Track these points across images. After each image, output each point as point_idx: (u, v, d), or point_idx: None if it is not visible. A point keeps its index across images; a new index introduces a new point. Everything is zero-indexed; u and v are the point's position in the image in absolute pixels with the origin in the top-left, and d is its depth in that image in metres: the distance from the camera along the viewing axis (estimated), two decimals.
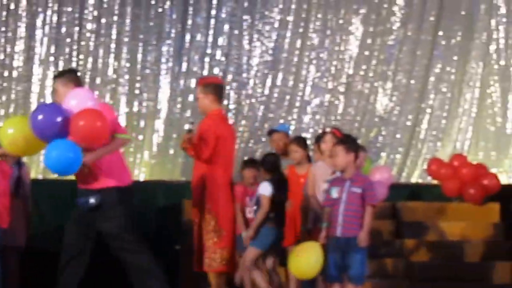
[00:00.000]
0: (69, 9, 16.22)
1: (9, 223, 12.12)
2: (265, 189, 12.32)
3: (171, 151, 16.35)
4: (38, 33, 16.22)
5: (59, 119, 9.45)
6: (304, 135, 15.43)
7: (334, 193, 11.05)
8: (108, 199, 10.08)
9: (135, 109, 16.38)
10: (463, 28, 16.78)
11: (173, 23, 16.54)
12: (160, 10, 16.43)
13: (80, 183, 10.15)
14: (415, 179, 16.67)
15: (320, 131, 14.45)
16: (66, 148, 9.45)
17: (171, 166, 16.24)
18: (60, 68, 15.81)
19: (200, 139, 11.22)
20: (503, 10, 16.80)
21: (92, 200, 10.04)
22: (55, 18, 16.23)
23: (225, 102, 16.27)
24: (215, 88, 11.73)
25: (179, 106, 16.33)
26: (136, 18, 16.35)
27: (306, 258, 11.00)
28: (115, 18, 16.33)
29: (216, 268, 11.56)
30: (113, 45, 16.39)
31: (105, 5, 16.29)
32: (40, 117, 9.46)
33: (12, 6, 16.09)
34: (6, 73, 16.10)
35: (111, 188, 10.08)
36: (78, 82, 10.52)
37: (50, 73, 15.95)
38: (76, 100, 9.88)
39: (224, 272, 11.68)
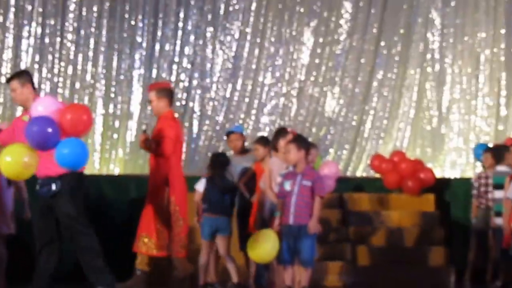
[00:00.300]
0: (52, 22, 16.30)
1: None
2: (200, 184, 12.50)
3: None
4: (24, 43, 16.23)
5: (50, 129, 9.45)
6: (261, 133, 15.42)
7: (287, 186, 11.20)
8: (67, 185, 10.09)
9: (111, 110, 16.32)
10: (402, 39, 16.84)
11: (144, 34, 16.58)
12: (132, 22, 16.50)
13: (39, 173, 10.12)
14: (359, 173, 16.76)
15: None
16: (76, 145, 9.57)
17: (142, 162, 16.14)
18: (44, 75, 15.80)
19: (163, 137, 11.34)
20: (437, 23, 16.83)
21: (53, 187, 10.05)
22: (39, 30, 16.27)
23: (191, 104, 16.65)
24: (168, 93, 12.03)
25: (149, 108, 16.29)
26: (111, 30, 16.41)
27: (263, 244, 11.05)
28: (93, 29, 16.38)
29: (184, 254, 11.73)
30: (90, 54, 16.41)
31: (83, 18, 16.28)
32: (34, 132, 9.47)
33: (0, 19, 16.03)
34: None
35: (68, 174, 10.08)
36: (33, 82, 10.63)
37: (35, 79, 15.90)
38: (42, 106, 9.90)
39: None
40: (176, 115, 12.62)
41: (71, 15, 16.31)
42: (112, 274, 10.11)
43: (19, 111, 15.58)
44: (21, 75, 10.60)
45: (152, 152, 11.74)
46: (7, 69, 16.06)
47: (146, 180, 15.31)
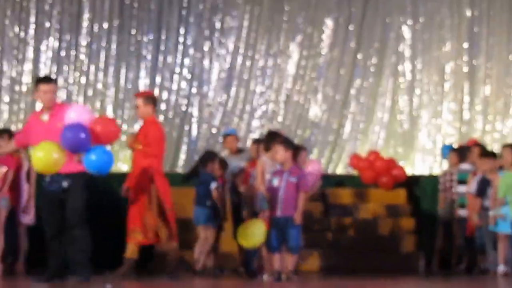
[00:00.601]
0: (67, 37, 16.22)
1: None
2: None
3: None
4: (43, 55, 16.13)
5: (83, 135, 9.55)
6: (252, 135, 15.51)
7: (275, 182, 11.28)
8: (77, 183, 10.09)
9: (119, 115, 16.26)
10: (377, 52, 16.88)
11: (149, 48, 16.49)
12: (138, 37, 16.45)
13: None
14: (339, 170, 16.71)
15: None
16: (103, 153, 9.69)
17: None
18: (60, 83, 15.66)
19: (150, 138, 11.40)
20: (408, 38, 16.90)
21: (64, 184, 10.08)
22: (56, 44, 16.17)
23: (190, 109, 16.60)
24: (153, 100, 12.05)
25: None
26: (120, 44, 16.35)
27: (253, 232, 11.16)
28: (103, 44, 16.29)
29: (175, 239, 11.77)
30: (102, 65, 16.29)
31: (95, 34, 16.24)
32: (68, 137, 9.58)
33: (22, 35, 16.05)
34: (17, 88, 16.04)
35: (78, 173, 10.13)
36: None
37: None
38: (75, 113, 9.95)
39: None
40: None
41: (84, 31, 16.25)
42: (92, 270, 10.14)
43: None
44: (56, 82, 10.66)
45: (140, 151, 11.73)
46: (28, 78, 16.07)
47: None
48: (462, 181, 14.02)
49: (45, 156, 9.55)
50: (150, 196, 11.54)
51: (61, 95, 15.97)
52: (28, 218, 12.54)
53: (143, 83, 16.49)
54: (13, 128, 14.85)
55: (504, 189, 12.61)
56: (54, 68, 16.09)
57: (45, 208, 10.21)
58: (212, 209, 12.80)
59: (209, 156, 13.25)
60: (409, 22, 17.02)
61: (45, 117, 10.12)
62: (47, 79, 10.82)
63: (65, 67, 16.07)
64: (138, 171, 11.60)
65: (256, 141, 12.97)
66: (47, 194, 10.12)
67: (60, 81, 15.77)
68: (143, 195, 11.57)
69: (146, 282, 11.34)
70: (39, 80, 10.70)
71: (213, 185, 12.75)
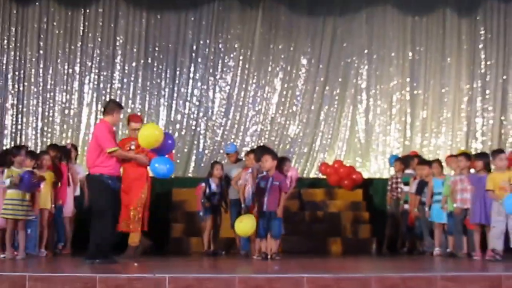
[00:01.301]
0: (104, 73, 16.24)
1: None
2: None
3: None
4: (86, 87, 16.18)
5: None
6: (245, 149, 15.52)
7: (262, 184, 11.30)
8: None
9: None
10: (341, 85, 16.88)
11: (167, 81, 16.51)
12: (159, 73, 16.44)
13: (117, 173, 10.19)
14: (312, 175, 16.55)
15: (255, 146, 14.69)
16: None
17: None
18: (99, 109, 15.77)
19: (146, 153, 10.90)
20: (364, 74, 16.97)
21: (119, 184, 10.20)
22: (96, 78, 16.20)
23: (198, 129, 16.60)
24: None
25: (170, 130, 16.28)
26: (145, 78, 16.43)
27: (246, 224, 11.21)
28: (132, 78, 16.33)
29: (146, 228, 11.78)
30: (130, 95, 16.33)
31: (126, 71, 16.29)
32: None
33: (70, 71, 16.08)
34: (66, 111, 16.04)
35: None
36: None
37: (93, 113, 15.98)
38: None
39: None
40: None
41: (117, 68, 16.34)
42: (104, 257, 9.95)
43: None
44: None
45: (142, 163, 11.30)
46: (74, 105, 16.07)
47: (167, 180, 15.47)
48: (406, 183, 14.08)
49: (150, 133, 9.89)
50: (139, 195, 11.42)
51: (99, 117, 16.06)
52: (68, 212, 12.55)
53: (162, 109, 16.46)
54: (63, 142, 14.92)
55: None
56: (94, 98, 16.11)
57: (109, 200, 9.96)
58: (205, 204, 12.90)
59: (213, 165, 13.29)
60: (365, 62, 17.02)
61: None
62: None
63: (102, 96, 16.07)
64: (132, 175, 11.30)
65: (248, 153, 12.99)
66: (112, 190, 9.99)
67: (99, 107, 15.84)
68: (134, 193, 11.39)
69: (158, 262, 11.32)
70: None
71: (202, 184, 12.88)
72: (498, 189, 11.12)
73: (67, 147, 13.29)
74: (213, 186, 12.81)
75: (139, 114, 14.58)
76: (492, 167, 11.79)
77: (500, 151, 11.87)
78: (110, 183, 9.97)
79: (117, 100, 15.83)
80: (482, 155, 12.39)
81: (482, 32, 16.89)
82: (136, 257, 11.33)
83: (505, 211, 10.81)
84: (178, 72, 16.57)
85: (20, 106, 15.83)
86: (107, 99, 15.80)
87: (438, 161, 13.52)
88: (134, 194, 11.39)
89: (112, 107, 10.19)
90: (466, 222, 12.17)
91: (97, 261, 9.82)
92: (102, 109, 10.56)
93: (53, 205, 11.90)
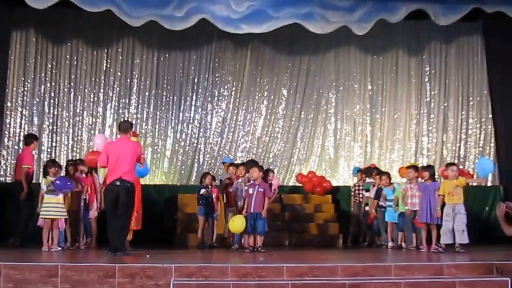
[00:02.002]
0: (123, 100, 16.21)
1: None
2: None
3: (172, 169, 16.34)
4: (108, 112, 16.11)
5: None
6: (236, 162, 15.43)
7: (250, 191, 11.35)
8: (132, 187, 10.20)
9: (156, 148, 16.24)
10: (314, 110, 16.77)
11: (174, 108, 16.38)
12: (168, 101, 16.41)
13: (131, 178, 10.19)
14: (291, 183, 16.29)
15: (245, 160, 14.68)
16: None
17: (172, 176, 16.26)
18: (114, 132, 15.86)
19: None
20: (333, 102, 16.95)
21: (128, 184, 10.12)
22: (116, 104, 16.15)
23: (199, 146, 16.46)
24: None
25: (176, 147, 16.29)
26: (155, 106, 16.30)
27: (237, 222, 11.23)
28: (145, 104, 16.27)
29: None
30: (144, 117, 16.25)
31: (140, 100, 16.24)
32: None
33: (95, 99, 16.06)
34: (92, 132, 15.94)
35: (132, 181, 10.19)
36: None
37: (114, 133, 15.89)
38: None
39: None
40: None
41: (133, 96, 16.23)
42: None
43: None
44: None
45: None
46: (98, 126, 16.01)
47: (173, 187, 15.51)
48: (367, 190, 14.11)
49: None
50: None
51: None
52: (92, 213, 12.51)
53: (170, 130, 16.37)
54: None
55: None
56: (115, 120, 15.99)
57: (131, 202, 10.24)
58: (203, 206, 12.88)
59: (202, 175, 13.35)
60: (334, 92, 16.97)
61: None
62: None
63: (121, 119, 15.97)
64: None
65: (240, 164, 13.07)
66: (114, 190, 10.08)
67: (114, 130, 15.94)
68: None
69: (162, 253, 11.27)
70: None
71: (202, 191, 12.85)
72: (447, 194, 11.37)
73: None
74: (202, 191, 12.91)
75: (137, 132, 14.63)
76: (436, 176, 11.93)
77: (452, 164, 12.19)
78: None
79: (133, 122, 15.87)
80: (428, 167, 12.66)
81: (427, 68, 16.97)
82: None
83: (480, 175, 11.41)
84: (182, 100, 16.47)
85: (55, 127, 15.77)
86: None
87: (386, 173, 13.64)
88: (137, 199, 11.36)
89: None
90: (415, 221, 12.26)
91: (118, 253, 9.81)
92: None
93: (82, 206, 11.98)
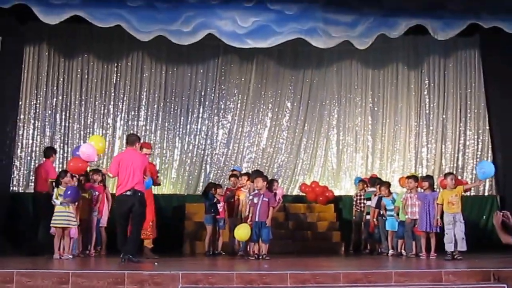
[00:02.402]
0: (132, 112, 16.17)
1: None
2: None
3: (180, 179, 16.34)
4: (118, 124, 16.05)
5: None
6: (242, 173, 15.46)
7: (255, 200, 11.36)
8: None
9: (164, 158, 16.23)
10: (316, 123, 16.73)
11: (182, 120, 16.31)
12: (175, 114, 16.36)
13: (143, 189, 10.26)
14: (295, 192, 16.29)
15: (250, 171, 14.72)
16: None
17: (179, 186, 16.23)
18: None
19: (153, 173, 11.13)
20: (335, 119, 16.95)
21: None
22: (126, 116, 16.10)
23: (205, 157, 16.46)
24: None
25: (184, 158, 16.27)
26: (164, 118, 16.28)
27: (242, 231, 11.25)
28: (154, 117, 16.23)
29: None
30: (153, 129, 16.17)
31: (149, 112, 16.20)
32: None
33: (106, 111, 16.04)
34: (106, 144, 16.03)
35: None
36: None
37: (124, 144, 15.85)
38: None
39: None
40: None
41: (142, 110, 16.15)
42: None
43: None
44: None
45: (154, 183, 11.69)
46: (108, 138, 16.01)
47: (180, 196, 15.53)
48: (368, 199, 14.12)
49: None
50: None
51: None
52: (103, 221, 12.54)
53: (178, 141, 16.36)
54: (99, 168, 14.92)
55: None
56: (125, 131, 15.94)
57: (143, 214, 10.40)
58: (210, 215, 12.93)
59: (210, 185, 13.38)
60: (336, 104, 16.97)
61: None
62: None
63: (131, 131, 15.99)
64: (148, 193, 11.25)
65: (243, 175, 13.13)
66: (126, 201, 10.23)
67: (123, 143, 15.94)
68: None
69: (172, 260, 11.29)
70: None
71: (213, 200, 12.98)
72: (447, 203, 11.41)
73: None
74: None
75: (150, 142, 14.64)
76: (435, 186, 11.96)
77: (450, 173, 12.25)
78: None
79: (142, 134, 15.93)
80: (428, 177, 12.75)
81: (427, 81, 16.95)
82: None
83: (479, 177, 11.52)
84: (190, 113, 16.45)
85: (66, 139, 15.73)
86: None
87: (386, 184, 13.66)
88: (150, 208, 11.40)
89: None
90: (415, 230, 12.29)
91: (135, 259, 9.85)
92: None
93: (95, 215, 12.03)
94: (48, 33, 15.52)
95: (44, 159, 13.13)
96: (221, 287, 8.02)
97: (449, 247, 11.39)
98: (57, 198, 11.04)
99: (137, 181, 10.15)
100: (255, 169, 15.14)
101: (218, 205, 13.04)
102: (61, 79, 15.87)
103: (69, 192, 10.97)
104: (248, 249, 11.88)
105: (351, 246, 14.58)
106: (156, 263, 9.87)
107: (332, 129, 16.95)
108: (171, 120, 16.41)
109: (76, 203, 11.20)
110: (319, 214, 15.38)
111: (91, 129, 15.91)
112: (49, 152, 12.88)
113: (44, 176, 12.38)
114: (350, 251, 14.44)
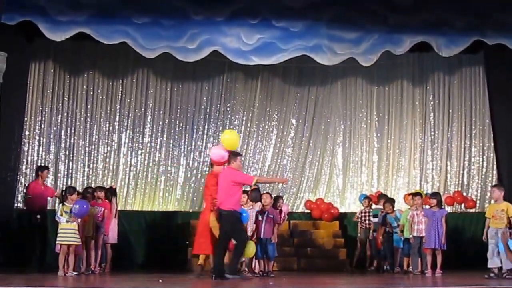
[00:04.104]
0: (137, 129, 16.13)
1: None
2: None
3: (185, 196, 16.31)
4: (123, 140, 15.98)
5: None
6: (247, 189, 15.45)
7: (260, 217, 11.30)
8: None
9: (170, 173, 16.20)
10: (321, 140, 16.76)
11: (187, 137, 16.36)
12: (181, 131, 16.40)
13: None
14: (300, 209, 16.32)
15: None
16: None
17: (184, 203, 16.20)
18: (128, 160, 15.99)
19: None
20: (341, 130, 16.98)
21: None
22: (130, 134, 16.08)
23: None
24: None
25: (189, 175, 16.27)
26: (169, 135, 16.29)
27: (248, 248, 11.17)
28: (159, 133, 16.21)
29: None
30: (158, 146, 16.18)
31: (155, 127, 16.22)
32: None
33: (110, 128, 16.05)
34: (107, 160, 15.89)
35: None
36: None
37: (128, 161, 15.86)
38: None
39: None
40: None
41: (147, 126, 16.17)
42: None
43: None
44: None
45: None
46: (113, 155, 15.99)
47: (185, 213, 15.48)
48: (374, 215, 14.09)
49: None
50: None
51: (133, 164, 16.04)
52: (111, 239, 12.53)
53: (183, 158, 16.36)
54: (104, 184, 14.91)
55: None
56: (130, 148, 16.04)
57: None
58: None
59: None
60: (341, 121, 17.02)
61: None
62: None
63: (136, 148, 16.03)
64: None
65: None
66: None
67: (133, 155, 16.00)
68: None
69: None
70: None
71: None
72: (491, 217, 11.20)
73: (113, 187, 13.38)
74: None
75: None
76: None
77: (499, 185, 11.92)
78: None
79: (147, 151, 15.92)
80: (436, 194, 12.79)
81: (431, 98, 16.99)
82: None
83: None
84: (195, 130, 16.46)
85: (71, 155, 15.75)
86: (138, 151, 16.07)
87: (390, 201, 13.62)
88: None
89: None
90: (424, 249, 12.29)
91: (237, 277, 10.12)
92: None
93: (103, 232, 12.03)
94: (54, 50, 15.58)
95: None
96: None
97: (491, 263, 11.06)
98: (62, 215, 11.00)
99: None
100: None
101: None
102: (67, 96, 15.89)
103: (84, 206, 10.96)
104: (253, 266, 11.83)
105: (354, 261, 14.53)
106: (160, 280, 9.81)
107: (337, 146, 16.99)
108: (176, 137, 16.42)
109: (79, 220, 11.14)
110: (324, 231, 15.35)
111: (96, 146, 15.93)
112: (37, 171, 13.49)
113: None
114: (353, 266, 14.40)
